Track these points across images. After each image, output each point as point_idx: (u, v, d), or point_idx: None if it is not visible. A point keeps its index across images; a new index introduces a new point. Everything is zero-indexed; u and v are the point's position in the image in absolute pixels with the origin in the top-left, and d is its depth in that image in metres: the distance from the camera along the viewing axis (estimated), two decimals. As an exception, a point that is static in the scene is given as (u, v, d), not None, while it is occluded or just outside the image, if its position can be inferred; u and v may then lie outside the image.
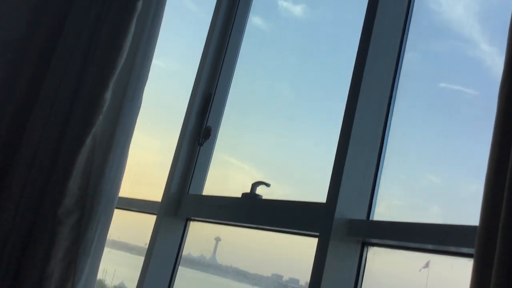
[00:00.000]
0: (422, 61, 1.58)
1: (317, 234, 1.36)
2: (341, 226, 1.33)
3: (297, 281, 1.82)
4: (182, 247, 1.94)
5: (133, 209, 2.21)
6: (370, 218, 1.39)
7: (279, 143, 1.97)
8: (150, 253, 1.87)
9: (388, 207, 1.46)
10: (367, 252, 1.36)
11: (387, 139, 1.46)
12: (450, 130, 1.40)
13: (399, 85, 1.49)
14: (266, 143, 2.05)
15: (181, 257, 1.95)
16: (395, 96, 1.48)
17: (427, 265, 1.26)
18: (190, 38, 2.67)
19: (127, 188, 2.12)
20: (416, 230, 1.19)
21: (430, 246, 1.19)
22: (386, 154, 1.45)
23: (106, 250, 1.77)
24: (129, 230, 2.60)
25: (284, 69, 2.09)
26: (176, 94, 2.54)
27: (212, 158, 2.03)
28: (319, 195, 1.43)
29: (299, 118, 1.93)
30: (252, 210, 1.64)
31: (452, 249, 1.14)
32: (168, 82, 2.73)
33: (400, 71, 1.49)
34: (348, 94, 1.44)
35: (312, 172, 1.75)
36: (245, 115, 2.16)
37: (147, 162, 2.67)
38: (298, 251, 1.65)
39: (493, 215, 0.80)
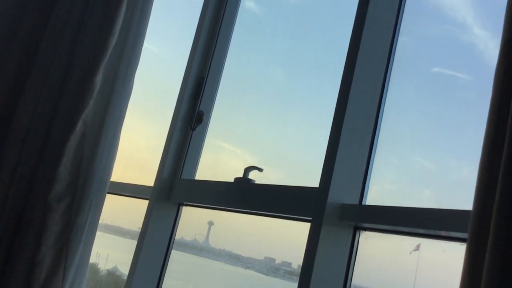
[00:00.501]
0: (415, 46, 1.57)
1: (310, 218, 1.36)
2: (333, 210, 1.33)
3: (289, 264, 1.84)
4: (174, 231, 1.94)
5: (125, 194, 2.20)
6: (363, 203, 1.40)
7: (272, 128, 1.97)
8: (143, 238, 1.87)
9: (380, 191, 1.46)
10: (359, 236, 1.36)
11: (380, 124, 1.46)
12: (443, 115, 1.40)
13: (392, 69, 1.49)
14: (259, 127, 2.04)
15: (173, 241, 1.95)
16: (389, 81, 1.48)
17: (417, 247, 1.27)
18: (183, 22, 2.64)
19: (119, 173, 2.11)
20: (407, 214, 1.20)
21: (421, 231, 1.20)
22: (379, 138, 1.45)
23: (99, 234, 1.77)
24: (122, 215, 2.59)
25: (277, 53, 2.08)
26: (169, 79, 2.52)
27: (205, 142, 2.02)
28: (312, 179, 1.43)
29: (292, 102, 1.92)
30: (245, 195, 1.64)
31: (444, 233, 1.15)
32: (161, 66, 2.71)
33: (394, 56, 1.49)
34: (341, 79, 1.44)
35: (305, 156, 1.75)
36: (237, 99, 2.15)
37: (139, 147, 2.66)
38: (290, 234, 1.66)
39: (487, 198, 0.80)
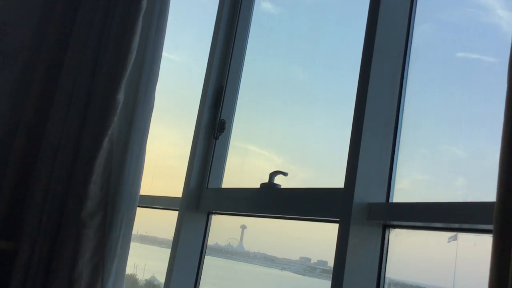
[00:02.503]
0: (436, 32, 1.55)
1: (337, 220, 1.35)
2: (360, 210, 1.32)
3: (325, 262, 1.83)
4: (206, 239, 1.96)
5: (155, 206, 2.23)
6: (390, 198, 1.38)
7: (297, 127, 1.96)
8: (175, 248, 1.89)
9: (412, 182, 1.45)
10: (388, 234, 1.35)
11: (402, 117, 1.44)
12: (471, 100, 1.38)
13: (410, 59, 1.47)
14: (283, 128, 2.04)
15: (206, 248, 1.97)
16: (407, 72, 1.46)
17: (455, 237, 1.25)
18: (200, 29, 2.67)
19: (148, 185, 2.15)
20: (435, 210, 1.18)
21: (451, 225, 1.18)
22: (402, 131, 1.43)
23: (135, 245, 1.79)
24: (156, 224, 2.63)
25: (295, 52, 2.07)
26: (191, 86, 2.54)
27: (231, 148, 2.03)
28: (342, 176, 1.42)
29: (315, 100, 1.91)
30: (272, 200, 1.64)
31: (475, 226, 1.13)
32: (183, 75, 2.73)
33: (411, 45, 1.47)
34: (359, 74, 1.42)
35: (333, 154, 1.74)
36: (260, 101, 2.15)
37: (166, 155, 2.69)
38: (323, 233, 1.65)
39: (510, 188, 0.79)
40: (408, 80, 1.46)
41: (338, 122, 1.76)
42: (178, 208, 1.96)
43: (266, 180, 1.69)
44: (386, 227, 1.35)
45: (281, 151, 2.01)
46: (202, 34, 2.45)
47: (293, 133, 1.97)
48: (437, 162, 1.42)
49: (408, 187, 1.45)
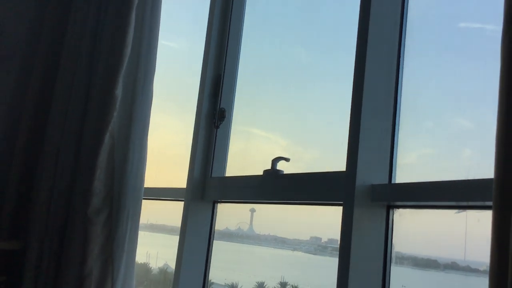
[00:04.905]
0: (437, 3, 1.52)
1: (341, 203, 1.35)
2: (363, 192, 1.32)
3: (336, 241, 1.83)
4: (213, 227, 1.97)
5: (160, 198, 2.24)
6: (394, 177, 1.38)
7: (300, 108, 1.95)
8: (183, 237, 1.91)
9: (419, 157, 1.44)
10: (393, 214, 1.35)
11: (401, 93, 1.43)
12: (474, 70, 1.36)
13: (407, 33, 1.45)
14: (286, 110, 2.03)
15: (214, 235, 1.98)
16: (404, 46, 1.44)
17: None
18: (197, 14, 2.64)
19: (153, 175, 2.15)
20: (438, 189, 1.18)
21: (453, 203, 1.18)
22: (402, 108, 1.42)
23: (146, 234, 1.80)
24: (165, 213, 2.64)
25: (291, 32, 2.05)
26: (192, 73, 2.53)
27: (233, 135, 2.03)
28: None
29: (315, 80, 1.89)
30: (275, 186, 1.65)
31: (478, 203, 1.13)
32: (183, 62, 2.72)
33: (406, 18, 1.45)
34: (356, 51, 1.40)
35: (337, 134, 1.73)
36: (260, 86, 2.14)
37: (171, 143, 2.70)
38: (332, 213, 1.65)
39: (509, 162, 0.78)
40: (405, 56, 1.44)
41: (341, 101, 1.75)
42: (183, 199, 1.96)
43: (270, 166, 1.69)
44: (390, 207, 1.35)
45: (286, 133, 2.00)
46: (200, 20, 2.43)
47: (297, 114, 1.96)
48: (442, 134, 1.41)
49: (415, 162, 1.44)
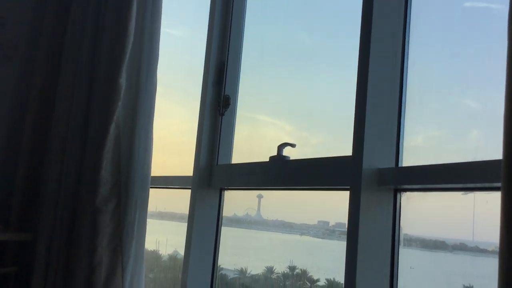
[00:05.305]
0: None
1: (348, 187, 1.35)
2: (370, 177, 1.32)
3: (343, 225, 1.83)
4: (221, 214, 1.98)
5: (167, 186, 2.25)
6: (401, 160, 1.37)
7: (304, 93, 1.94)
8: (191, 225, 1.92)
9: (426, 139, 1.43)
10: (400, 198, 1.35)
11: (407, 76, 1.41)
12: (482, 50, 1.34)
13: (412, 12, 1.43)
14: (290, 95, 2.01)
15: (221, 222, 1.99)
16: (409, 27, 1.42)
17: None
18: (199, 2, 2.63)
19: (161, 163, 2.16)
20: (444, 171, 1.17)
21: (460, 185, 1.17)
22: (408, 90, 1.40)
23: (155, 222, 1.81)
24: (173, 200, 2.65)
25: (294, 16, 2.03)
26: (196, 61, 2.52)
27: (238, 122, 2.02)
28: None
29: (319, 63, 1.88)
30: (282, 173, 1.64)
31: (487, 185, 1.12)
32: (187, 49, 2.71)
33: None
34: (360, 32, 1.39)
35: (343, 117, 1.72)
36: (264, 72, 2.13)
37: (178, 130, 2.70)
38: (339, 197, 1.65)
39: None
40: (411, 37, 1.43)
41: (346, 84, 1.73)
42: (190, 187, 1.97)
43: (276, 152, 1.68)
44: (397, 191, 1.34)
45: (291, 119, 1.99)
46: (202, 7, 2.41)
47: (302, 99, 1.95)
48: (449, 116, 1.40)
49: (422, 144, 1.43)
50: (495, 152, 1.09)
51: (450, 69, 1.42)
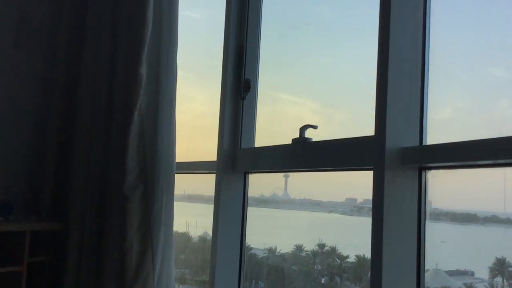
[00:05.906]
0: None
1: (371, 167, 1.34)
2: (394, 156, 1.30)
3: (371, 201, 1.83)
4: (246, 197, 1.98)
5: (192, 171, 2.26)
6: (425, 137, 1.35)
7: (326, 68, 1.91)
8: (217, 209, 1.93)
9: (454, 111, 1.41)
10: (425, 176, 1.33)
11: (429, 48, 1.38)
12: (508, 16, 1.30)
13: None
14: (313, 71, 1.99)
15: (247, 203, 1.99)
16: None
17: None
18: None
19: (185, 148, 2.17)
20: (470, 148, 1.15)
21: (487, 162, 1.15)
22: (430, 64, 1.37)
23: (184, 204, 1.83)
24: (201, 183, 2.68)
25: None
26: (215, 43, 2.51)
27: (260, 104, 2.01)
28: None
29: (340, 37, 1.84)
30: (305, 154, 1.64)
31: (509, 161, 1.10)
32: (205, 32, 2.69)
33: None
34: (380, 3, 1.35)
35: (366, 92, 1.70)
36: (284, 51, 2.10)
37: (201, 114, 2.70)
38: (366, 175, 1.64)
39: None
40: (432, 5, 1.38)
41: (369, 57, 1.70)
42: (214, 171, 1.98)
43: (298, 134, 1.67)
44: (422, 169, 1.32)
45: (314, 96, 1.97)
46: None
47: (324, 75, 1.92)
48: (476, 86, 1.37)
49: (450, 116, 1.41)
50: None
51: (475, 36, 1.38)
